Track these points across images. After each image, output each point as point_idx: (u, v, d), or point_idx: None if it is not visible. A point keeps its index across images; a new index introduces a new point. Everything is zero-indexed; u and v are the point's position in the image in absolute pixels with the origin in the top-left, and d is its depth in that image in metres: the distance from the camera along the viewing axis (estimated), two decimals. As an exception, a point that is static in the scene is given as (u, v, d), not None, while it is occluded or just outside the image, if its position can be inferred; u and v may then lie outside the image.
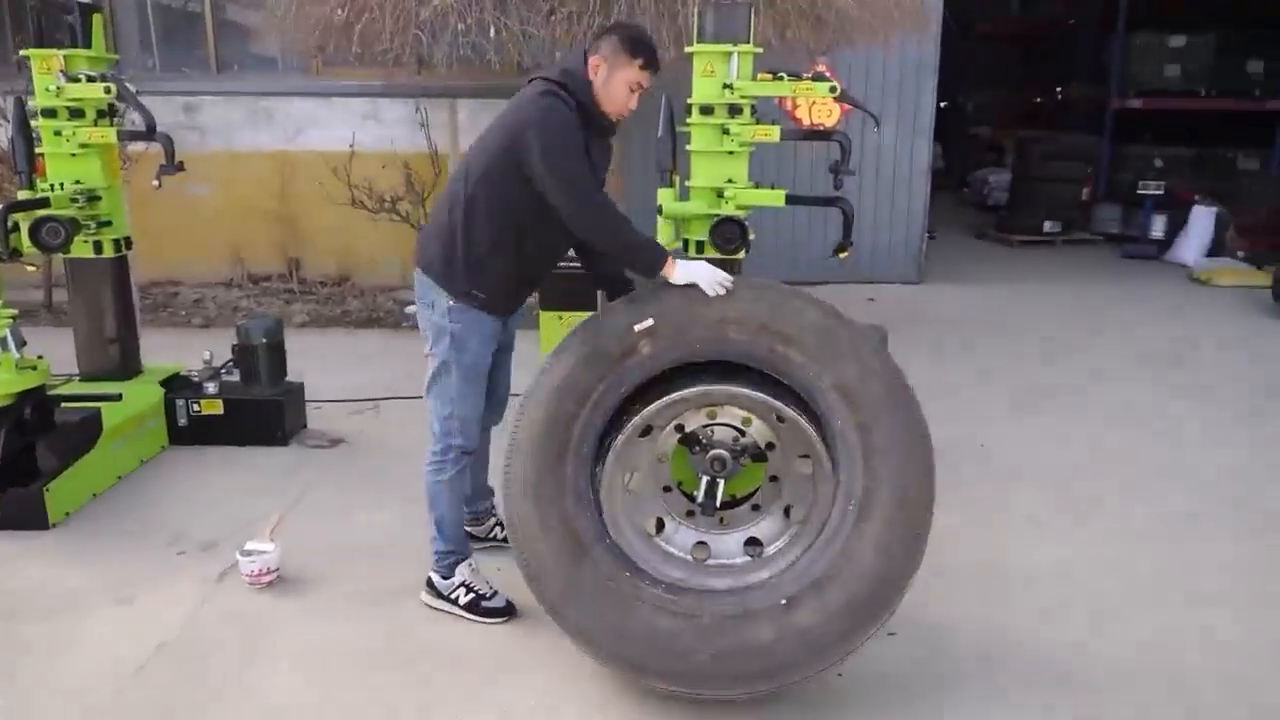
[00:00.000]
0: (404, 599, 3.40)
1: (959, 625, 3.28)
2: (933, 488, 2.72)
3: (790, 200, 4.04)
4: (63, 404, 4.23)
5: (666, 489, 3.02)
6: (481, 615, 3.26)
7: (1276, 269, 8.10)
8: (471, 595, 3.29)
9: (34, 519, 3.85)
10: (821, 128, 4.44)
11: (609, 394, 2.80)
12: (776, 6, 5.77)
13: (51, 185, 4.50)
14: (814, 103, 5.72)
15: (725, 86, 3.72)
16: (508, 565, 3.23)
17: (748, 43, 3.77)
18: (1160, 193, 10.68)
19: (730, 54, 3.71)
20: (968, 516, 4.04)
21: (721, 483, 2.92)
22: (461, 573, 3.31)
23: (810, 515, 2.88)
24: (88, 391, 4.55)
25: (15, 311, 3.95)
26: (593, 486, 2.84)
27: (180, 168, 4.55)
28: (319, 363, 5.87)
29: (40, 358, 4.00)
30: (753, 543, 2.98)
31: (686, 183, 3.86)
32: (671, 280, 2.83)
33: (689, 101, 3.80)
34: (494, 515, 3.74)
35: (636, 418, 2.83)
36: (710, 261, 3.01)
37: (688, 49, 3.82)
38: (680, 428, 2.94)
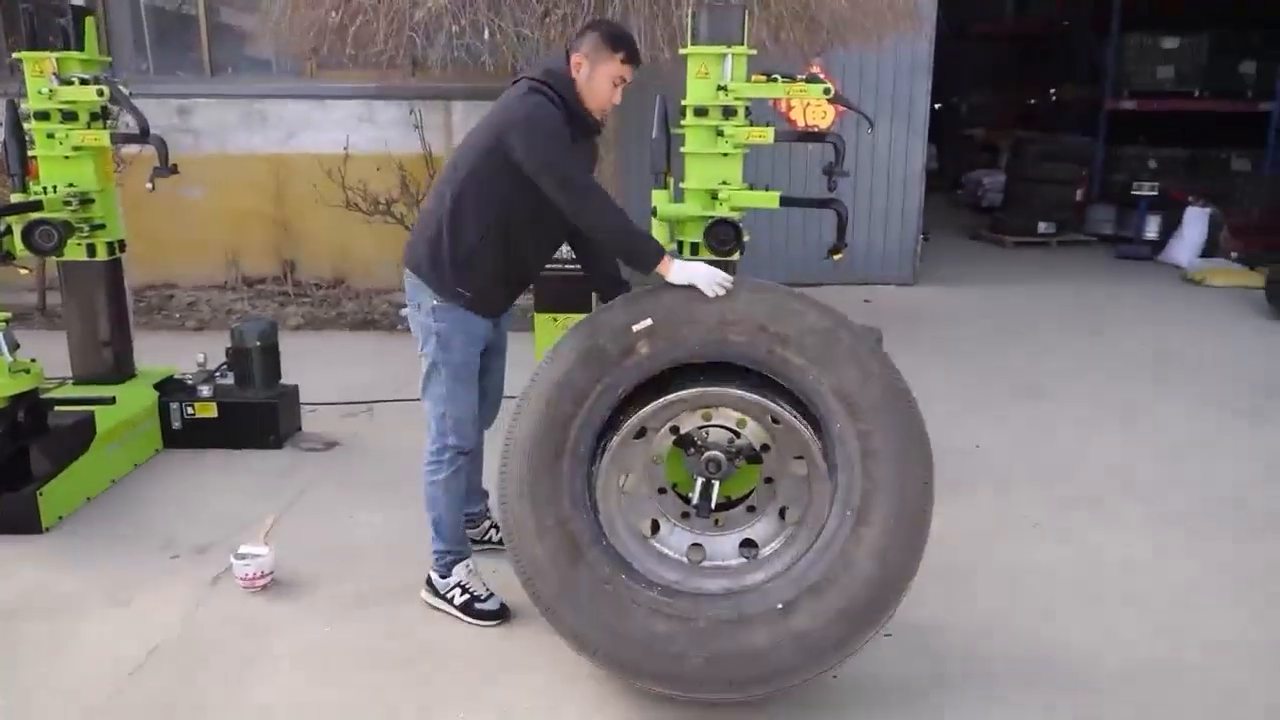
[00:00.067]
0: (401, 600, 3.40)
1: (957, 626, 3.28)
2: (931, 492, 2.72)
3: (785, 202, 4.04)
4: (56, 407, 4.22)
5: (662, 490, 3.01)
6: (474, 617, 3.26)
7: (1270, 269, 8.12)
8: (466, 596, 3.29)
9: (27, 523, 3.84)
10: (816, 129, 4.44)
11: (606, 394, 2.80)
12: (770, 8, 5.77)
13: (44, 188, 4.49)
14: (808, 104, 5.72)
15: (719, 88, 3.72)
16: (504, 568, 3.22)
17: (742, 44, 3.77)
18: (1154, 193, 10.71)
19: (724, 56, 3.71)
20: (965, 517, 4.04)
21: (716, 484, 2.92)
22: (458, 573, 3.31)
23: (805, 517, 2.88)
24: (81, 395, 4.53)
25: (9, 314, 3.94)
26: (589, 487, 2.83)
27: (174, 170, 4.54)
28: (314, 365, 5.86)
29: (34, 361, 3.99)
30: (748, 544, 2.98)
31: (681, 185, 3.86)
32: (670, 280, 2.83)
33: (683, 103, 3.79)
34: (489, 517, 3.74)
35: (632, 419, 2.82)
36: (705, 263, 3.01)
37: (682, 51, 3.82)
38: (675, 429, 2.94)
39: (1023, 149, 12.15)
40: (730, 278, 2.81)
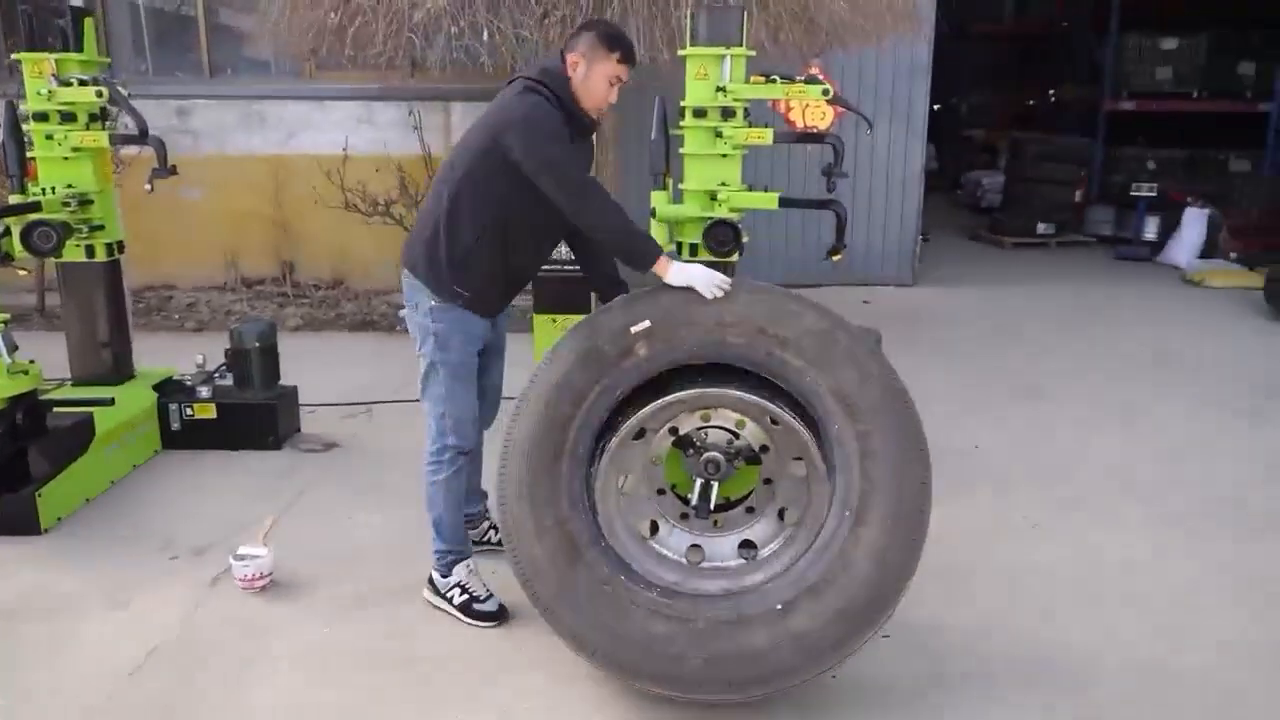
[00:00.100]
0: (400, 601, 3.40)
1: (956, 627, 3.28)
2: (929, 492, 2.72)
3: (783, 203, 4.04)
4: (55, 409, 4.21)
5: (660, 492, 3.01)
6: (472, 617, 3.26)
7: (1269, 270, 8.12)
8: (465, 596, 3.29)
9: (26, 524, 3.84)
10: (815, 130, 4.44)
11: (605, 396, 2.80)
12: (769, 9, 5.77)
13: (43, 189, 4.49)
14: (807, 106, 5.72)
15: (718, 89, 3.72)
16: (503, 569, 3.22)
17: (741, 46, 3.77)
18: (1153, 194, 10.71)
19: (723, 57, 3.71)
20: (964, 518, 4.04)
21: (715, 485, 2.92)
22: (458, 573, 3.32)
23: (804, 517, 2.88)
24: (80, 396, 4.53)
25: (7, 316, 3.94)
26: (588, 488, 2.84)
27: (173, 171, 4.54)
28: (313, 366, 5.86)
29: (32, 362, 3.99)
30: (747, 545, 2.98)
31: (680, 186, 3.86)
32: (668, 282, 2.83)
33: (682, 104, 3.80)
34: (488, 518, 3.74)
35: (630, 420, 2.82)
36: (704, 264, 3.01)
37: (681, 52, 3.82)
38: (674, 430, 2.94)
39: (1021, 150, 12.16)
40: (728, 280, 2.81)
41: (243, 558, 3.44)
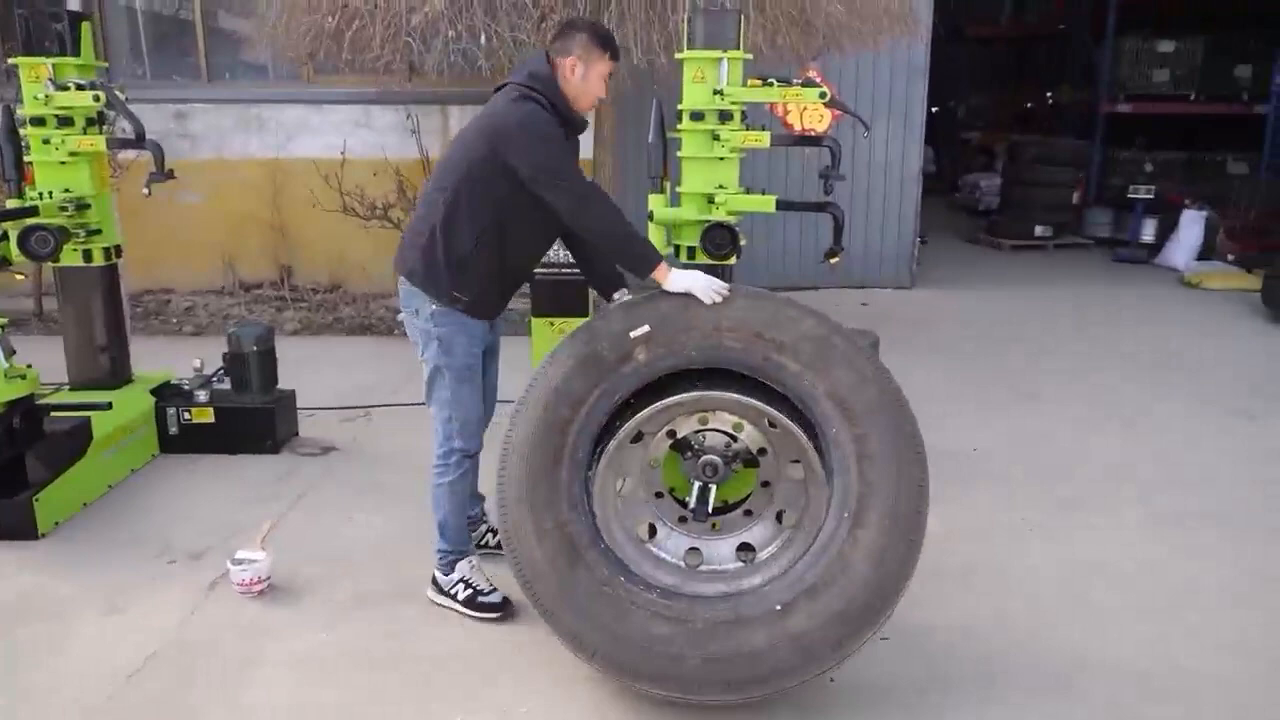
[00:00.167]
0: (399, 603, 3.40)
1: (955, 629, 3.28)
2: (927, 494, 2.73)
3: (781, 206, 4.04)
4: (52, 413, 4.21)
5: (659, 494, 3.02)
6: (478, 610, 3.29)
7: (1266, 272, 8.13)
8: (470, 591, 3.32)
9: (24, 529, 3.84)
10: (812, 133, 4.44)
11: (604, 400, 2.81)
12: (766, 13, 5.78)
13: (40, 193, 4.48)
14: (804, 108, 5.72)
15: (715, 93, 3.71)
16: (502, 572, 3.22)
17: (738, 49, 3.77)
18: (1151, 196, 10.73)
19: (720, 60, 3.71)
20: (962, 520, 4.04)
21: (713, 488, 2.93)
22: (461, 569, 3.35)
23: (802, 520, 2.89)
24: (77, 400, 4.53)
25: (5, 320, 3.93)
26: (587, 491, 2.84)
27: (170, 175, 4.54)
28: (311, 370, 5.86)
29: (29, 366, 3.98)
30: (745, 548, 2.98)
31: (677, 189, 3.85)
32: (667, 287, 2.84)
33: (679, 108, 3.79)
34: (485, 521, 3.74)
35: (629, 423, 2.83)
36: (701, 267, 3.02)
37: (678, 55, 3.82)
38: (672, 433, 2.94)
39: (1019, 152, 12.17)
40: (726, 285, 2.82)
41: (241, 562, 3.44)
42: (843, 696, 2.88)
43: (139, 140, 4.49)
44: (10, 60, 4.55)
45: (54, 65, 4.42)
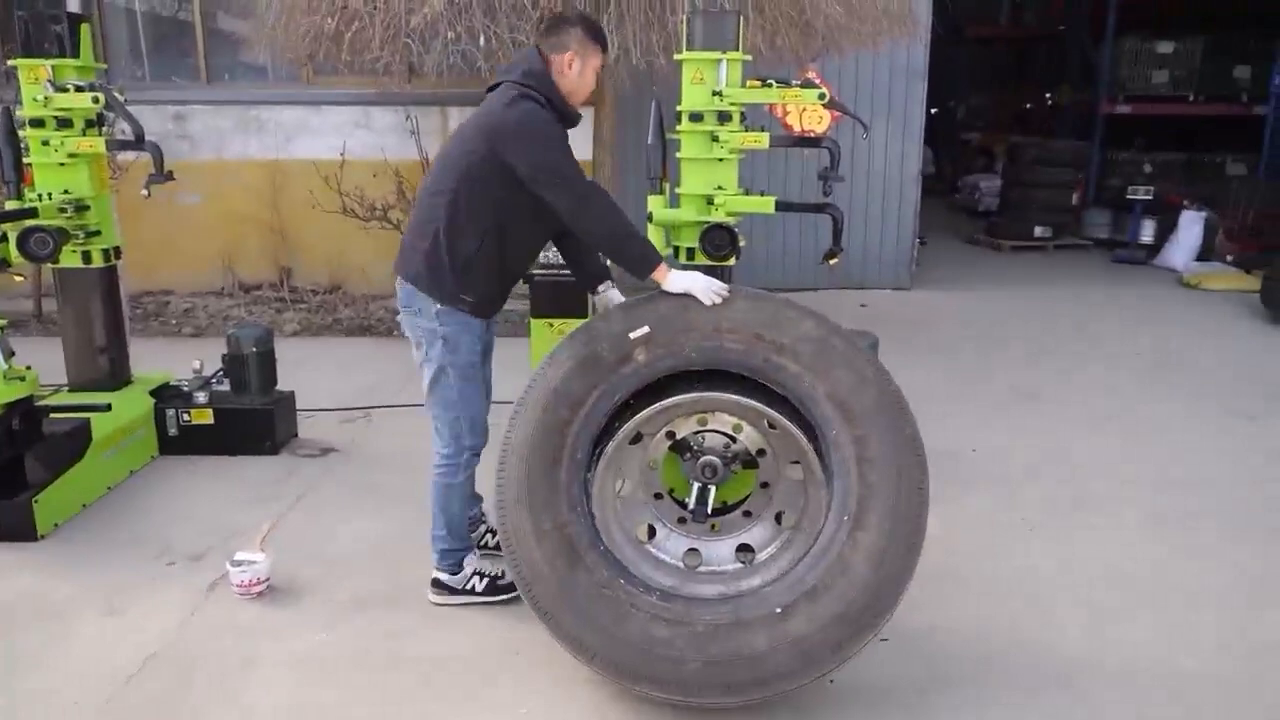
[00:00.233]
0: (399, 604, 3.40)
1: (955, 630, 3.27)
2: (927, 496, 2.72)
3: (780, 207, 4.04)
4: (52, 414, 4.21)
5: (658, 496, 3.02)
6: (500, 593, 3.35)
7: (1265, 273, 8.14)
8: (487, 579, 3.38)
9: (23, 530, 3.83)
10: (811, 134, 4.44)
11: (603, 401, 2.81)
12: (765, 14, 5.78)
13: (39, 195, 4.48)
14: (804, 110, 5.72)
15: (715, 94, 3.71)
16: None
17: (737, 50, 3.77)
18: (1150, 197, 10.73)
19: (719, 61, 3.71)
20: (961, 521, 4.04)
21: (713, 489, 2.93)
22: (471, 563, 3.39)
23: (801, 521, 2.89)
24: (77, 402, 4.52)
25: (4, 321, 3.93)
26: (586, 493, 2.84)
27: (169, 177, 4.54)
28: (310, 371, 5.86)
29: (29, 368, 3.98)
30: (744, 549, 2.98)
31: (677, 190, 3.85)
32: (666, 288, 2.84)
33: (678, 109, 3.79)
34: (484, 522, 3.74)
35: (628, 424, 2.83)
36: (700, 268, 3.01)
37: (677, 56, 3.82)
38: (671, 434, 2.94)
39: (1018, 153, 12.17)
40: (726, 286, 2.82)
41: (240, 563, 3.44)
42: (842, 697, 2.88)
43: (138, 142, 4.49)
44: (9, 62, 4.55)
45: (53, 67, 4.42)
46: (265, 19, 6.54)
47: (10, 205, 4.42)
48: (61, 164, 4.52)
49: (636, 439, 2.91)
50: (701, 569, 2.95)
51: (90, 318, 4.81)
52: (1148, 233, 10.68)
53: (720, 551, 2.99)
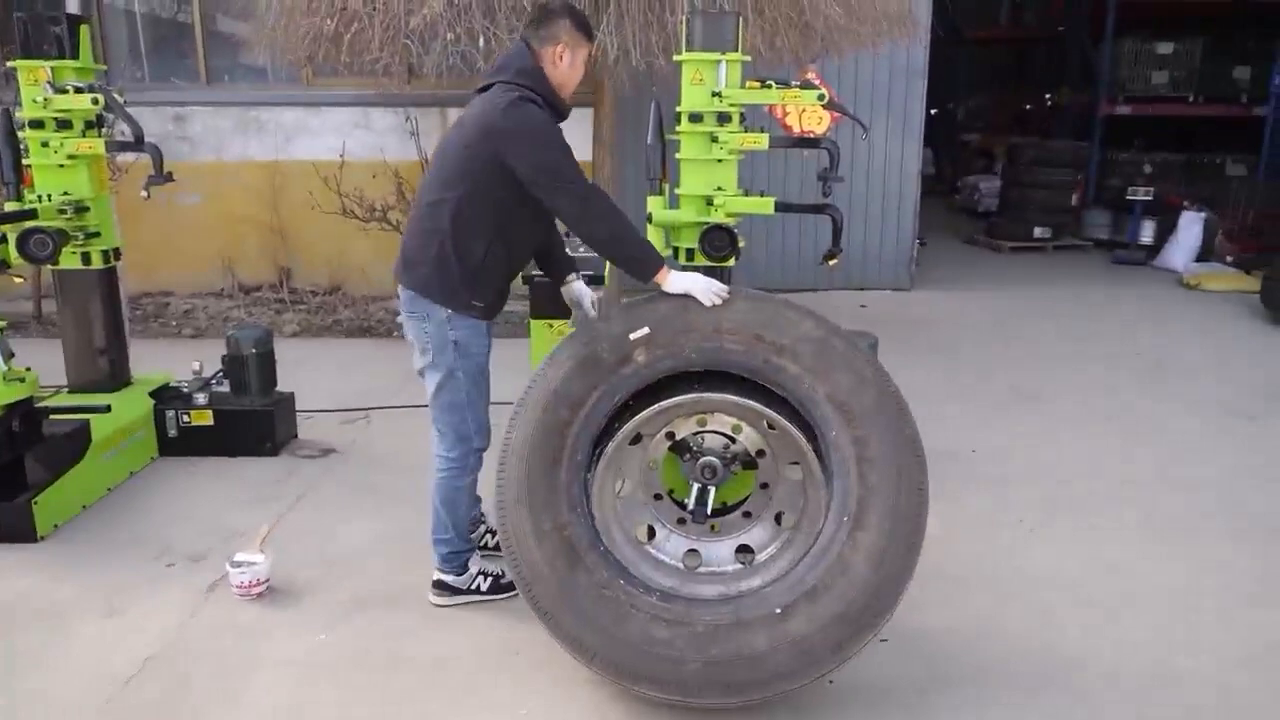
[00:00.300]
0: (399, 605, 3.40)
1: (953, 631, 3.28)
2: (927, 497, 2.73)
3: (779, 207, 4.04)
4: (51, 415, 4.21)
5: (657, 496, 3.02)
6: (504, 592, 3.38)
7: (1265, 273, 8.14)
8: (491, 579, 3.40)
9: (23, 531, 3.83)
10: (811, 135, 4.44)
11: (603, 402, 2.81)
12: (765, 15, 5.78)
13: (39, 196, 4.48)
14: (803, 110, 5.72)
15: (714, 95, 3.71)
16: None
17: (736, 51, 3.77)
18: (1149, 198, 10.74)
19: (719, 62, 3.71)
20: (960, 522, 4.04)
21: (712, 490, 2.93)
22: (475, 564, 3.41)
23: (801, 522, 2.89)
24: (77, 403, 4.53)
25: (4, 323, 3.94)
26: (586, 493, 2.84)
27: (169, 178, 4.54)
28: (310, 372, 5.86)
29: (29, 369, 3.98)
30: (744, 550, 2.98)
31: (676, 191, 3.85)
32: (666, 289, 2.84)
33: (678, 110, 3.79)
34: (484, 523, 3.74)
35: (627, 425, 2.83)
36: (700, 269, 3.01)
37: (676, 57, 3.82)
38: (671, 435, 2.94)
39: (1018, 154, 12.18)
40: (726, 287, 2.82)
41: (240, 564, 3.44)
42: (842, 698, 2.88)
43: (138, 143, 4.49)
44: (9, 63, 4.55)
45: (52, 68, 4.43)
46: (265, 20, 6.54)
47: (10, 207, 4.42)
48: (61, 165, 4.52)
49: (636, 440, 2.91)
50: (701, 570, 2.95)
51: (90, 319, 4.81)
52: (1147, 233, 10.68)
53: (720, 552, 2.99)
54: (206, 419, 4.78)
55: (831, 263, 4.12)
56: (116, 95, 4.47)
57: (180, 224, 8.06)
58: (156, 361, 5.48)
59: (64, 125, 4.48)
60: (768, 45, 5.92)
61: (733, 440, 2.95)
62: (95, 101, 4.41)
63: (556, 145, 2.92)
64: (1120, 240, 11.26)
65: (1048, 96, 15.46)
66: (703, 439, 2.95)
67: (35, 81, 4.43)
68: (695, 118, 3.78)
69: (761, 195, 4.01)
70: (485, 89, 3.05)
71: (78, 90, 4.42)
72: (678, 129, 3.82)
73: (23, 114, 4.48)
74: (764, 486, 2.99)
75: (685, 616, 2.69)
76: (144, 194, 4.49)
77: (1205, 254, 10.17)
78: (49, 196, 4.48)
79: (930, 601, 3.36)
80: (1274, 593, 3.56)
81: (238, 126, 8.22)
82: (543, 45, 3.04)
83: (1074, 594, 3.53)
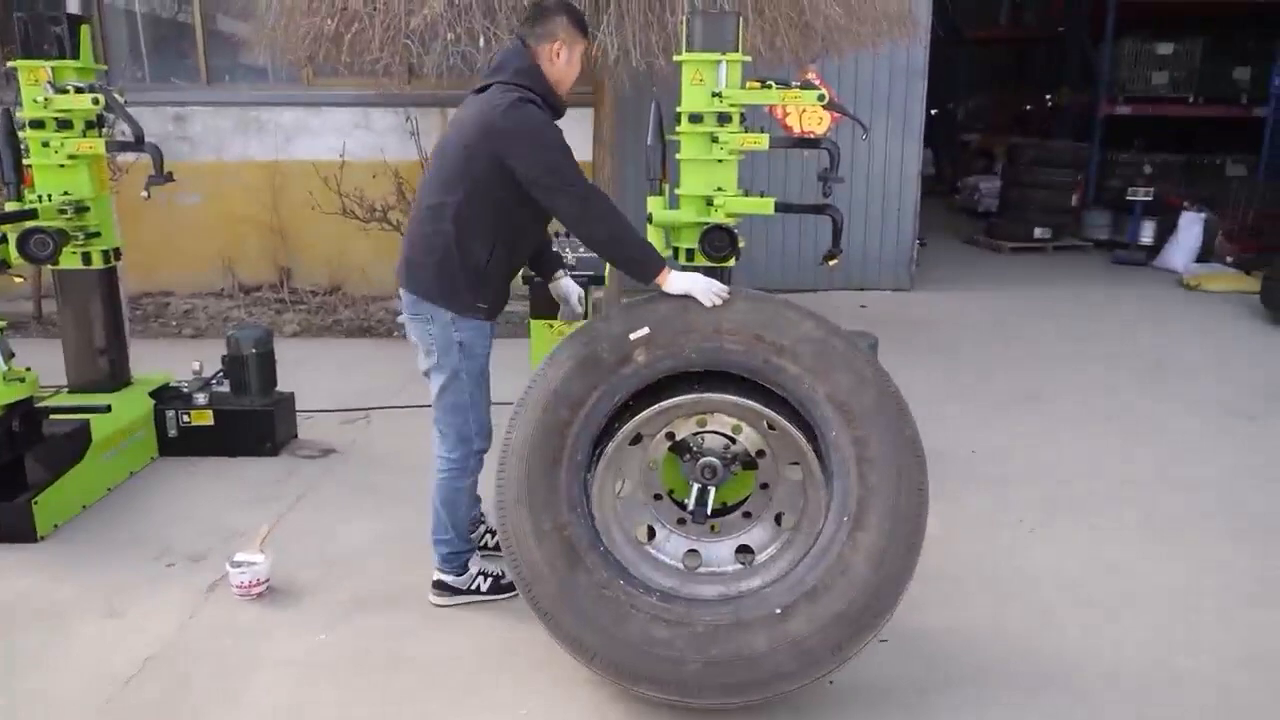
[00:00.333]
0: (399, 605, 3.40)
1: (953, 631, 3.28)
2: (927, 497, 2.73)
3: (779, 208, 4.04)
4: (51, 415, 4.21)
5: (657, 497, 3.02)
6: (504, 592, 3.38)
7: (1265, 274, 8.14)
8: (491, 579, 3.41)
9: (23, 531, 3.83)
10: (811, 135, 4.44)
11: (603, 402, 2.81)
12: (765, 15, 5.78)
13: (39, 196, 4.49)
14: (803, 111, 5.72)
15: (714, 95, 3.71)
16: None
17: (736, 51, 3.77)
18: (1149, 199, 10.74)
19: (719, 63, 3.71)
20: (960, 522, 4.04)
21: (712, 490, 2.93)
22: (475, 564, 3.41)
23: (801, 522, 2.89)
24: (77, 403, 4.53)
25: (4, 323, 3.94)
26: (586, 493, 2.84)
27: (169, 178, 4.54)
28: (310, 372, 5.86)
29: (29, 369, 3.98)
30: (744, 550, 2.98)
31: (676, 191, 3.85)
32: (667, 290, 2.84)
33: (678, 110, 3.79)
34: (484, 523, 3.75)
35: (627, 425, 2.83)
36: (700, 269, 3.02)
37: (676, 57, 3.82)
38: (671, 435, 2.94)
39: (1018, 154, 12.18)
40: (726, 287, 2.82)
41: (240, 564, 3.44)
42: (842, 698, 2.88)
43: (138, 143, 4.49)
44: (9, 63, 4.55)
45: (53, 68, 4.43)
46: (265, 20, 6.54)
47: (10, 207, 4.42)
48: (61, 165, 4.52)
49: (636, 440, 2.91)
50: (701, 570, 2.96)
51: (90, 319, 4.81)
52: (1147, 234, 10.68)
53: (720, 552, 2.99)
54: (206, 419, 4.78)
55: (831, 263, 4.12)
56: (117, 95, 4.47)
57: (180, 224, 8.06)
58: (156, 361, 5.48)
59: (64, 125, 4.48)
60: (768, 45, 5.92)
61: (733, 440, 2.95)
62: (96, 101, 4.41)
63: (557, 146, 2.92)
64: (1120, 240, 11.26)
65: (1048, 97, 15.46)
66: (703, 439, 2.95)
67: (36, 81, 4.43)
68: (695, 118, 3.78)
69: (761, 196, 4.02)
70: (483, 89, 3.05)
71: (78, 90, 4.42)
72: (678, 129, 3.82)
73: (23, 114, 4.48)
74: (764, 487, 2.99)
75: (685, 617, 2.69)
76: (144, 194, 4.49)
77: (1205, 254, 10.17)
78: (49, 196, 4.48)
79: (930, 601, 3.36)
80: (1274, 593, 3.56)
81: (238, 126, 8.23)
82: (539, 43, 3.04)
83: (1074, 594, 3.53)
